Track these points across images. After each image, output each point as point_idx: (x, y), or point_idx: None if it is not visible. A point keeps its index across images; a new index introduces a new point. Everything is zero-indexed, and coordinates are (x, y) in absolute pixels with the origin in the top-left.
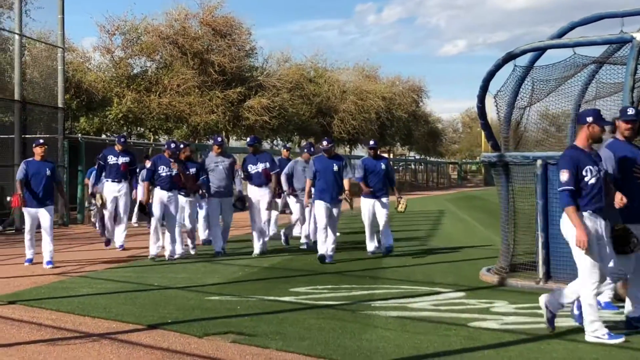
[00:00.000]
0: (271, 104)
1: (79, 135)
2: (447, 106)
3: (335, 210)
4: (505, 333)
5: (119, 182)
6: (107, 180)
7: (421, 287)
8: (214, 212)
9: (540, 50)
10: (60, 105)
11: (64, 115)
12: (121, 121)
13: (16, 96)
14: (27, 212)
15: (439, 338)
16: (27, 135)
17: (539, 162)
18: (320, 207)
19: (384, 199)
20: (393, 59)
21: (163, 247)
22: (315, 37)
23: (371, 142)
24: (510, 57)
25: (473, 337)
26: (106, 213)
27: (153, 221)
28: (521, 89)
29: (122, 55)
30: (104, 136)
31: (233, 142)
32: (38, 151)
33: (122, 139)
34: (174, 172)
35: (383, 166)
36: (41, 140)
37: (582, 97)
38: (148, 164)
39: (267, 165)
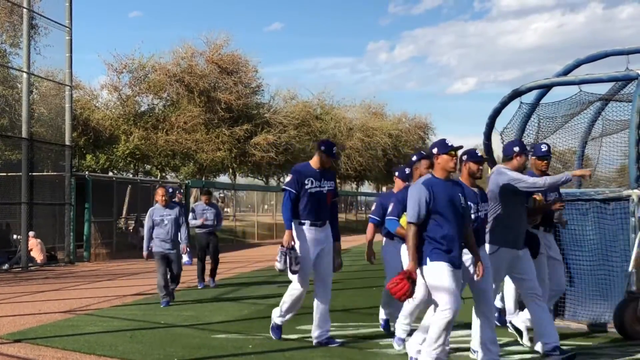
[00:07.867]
0: (277, 140)
1: (86, 172)
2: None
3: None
4: None
5: None
6: None
7: None
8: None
9: (546, 88)
10: (67, 142)
11: (71, 153)
12: (128, 158)
13: (24, 134)
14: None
15: None
16: (34, 173)
17: None
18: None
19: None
20: (403, 96)
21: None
22: (327, 75)
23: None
24: (516, 94)
25: None
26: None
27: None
28: (527, 126)
29: (129, 93)
30: (110, 174)
31: (240, 179)
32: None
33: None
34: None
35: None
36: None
37: (589, 134)
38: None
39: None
